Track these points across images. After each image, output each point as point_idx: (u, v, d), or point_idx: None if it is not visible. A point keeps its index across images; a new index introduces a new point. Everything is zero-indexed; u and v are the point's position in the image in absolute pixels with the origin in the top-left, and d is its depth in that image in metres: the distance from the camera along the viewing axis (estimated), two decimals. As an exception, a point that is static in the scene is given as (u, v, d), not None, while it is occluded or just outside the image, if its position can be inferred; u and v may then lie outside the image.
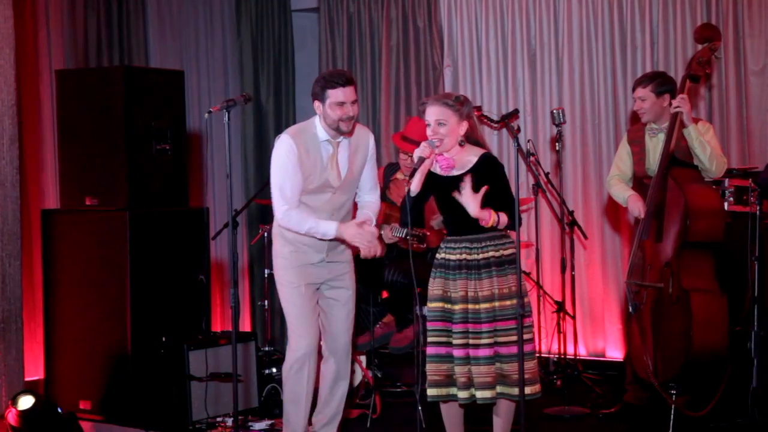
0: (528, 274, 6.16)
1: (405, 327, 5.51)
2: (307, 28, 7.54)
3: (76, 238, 5.26)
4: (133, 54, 6.64)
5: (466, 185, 3.98)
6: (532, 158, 5.84)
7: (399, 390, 5.66)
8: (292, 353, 4.40)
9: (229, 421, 5.04)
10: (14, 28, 5.20)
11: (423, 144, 4.03)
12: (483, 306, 4.03)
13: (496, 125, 6.42)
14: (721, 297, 4.54)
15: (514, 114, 5.89)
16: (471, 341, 4.02)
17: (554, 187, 5.98)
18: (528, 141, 5.92)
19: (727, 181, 5.03)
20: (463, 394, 4.04)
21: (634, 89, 4.94)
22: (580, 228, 5.88)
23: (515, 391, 3.98)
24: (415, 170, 4.03)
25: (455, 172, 4.09)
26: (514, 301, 3.97)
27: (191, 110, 6.80)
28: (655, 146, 4.91)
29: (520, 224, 4.01)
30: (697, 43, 4.87)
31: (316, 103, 4.28)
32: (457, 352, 4.04)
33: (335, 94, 4.22)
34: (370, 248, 4.29)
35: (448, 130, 4.04)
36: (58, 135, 5.52)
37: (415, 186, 4.05)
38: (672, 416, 4.55)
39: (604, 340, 6.31)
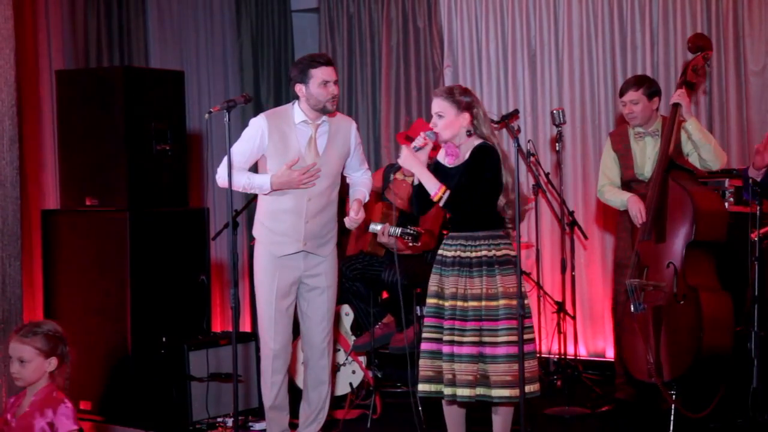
0: (528, 275, 6.16)
1: (404, 327, 5.50)
2: (307, 28, 7.54)
3: (76, 239, 5.26)
4: (133, 54, 6.64)
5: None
6: (532, 158, 5.84)
7: (399, 390, 5.66)
8: (262, 356, 4.52)
9: (229, 422, 5.04)
10: (14, 28, 5.19)
11: (421, 134, 4.13)
12: (471, 304, 4.05)
13: (496, 125, 6.40)
14: (726, 294, 4.59)
15: (514, 114, 5.87)
16: (456, 338, 4.05)
17: (554, 187, 5.98)
18: (528, 141, 5.92)
19: (727, 182, 5.06)
20: (448, 391, 4.07)
21: (624, 93, 5.02)
22: (580, 228, 5.88)
23: (495, 392, 4.00)
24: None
25: (458, 163, 4.15)
26: (500, 302, 4.01)
27: (191, 110, 6.80)
28: (642, 149, 5.02)
29: (506, 226, 4.08)
30: (691, 52, 4.98)
31: (298, 86, 4.37)
32: (445, 349, 4.08)
33: (318, 73, 4.32)
34: (299, 182, 4.32)
35: (446, 123, 4.12)
36: (58, 135, 5.52)
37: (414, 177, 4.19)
38: (672, 416, 4.56)
39: (604, 340, 6.31)
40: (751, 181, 4.67)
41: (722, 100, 5.93)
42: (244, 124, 7.34)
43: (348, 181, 4.72)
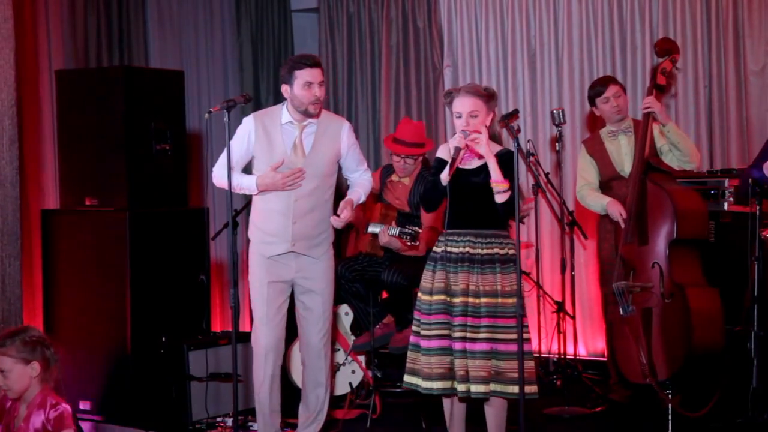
0: (528, 275, 6.16)
1: (405, 327, 5.50)
2: (307, 28, 7.54)
3: (76, 238, 5.26)
4: (133, 54, 6.64)
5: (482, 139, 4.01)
6: (532, 158, 5.84)
7: (399, 390, 5.66)
8: (254, 353, 4.57)
9: (229, 421, 5.05)
10: (14, 28, 5.20)
11: (458, 135, 4.04)
12: (483, 300, 4.04)
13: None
14: (712, 289, 4.62)
15: (514, 114, 5.88)
16: (469, 335, 4.03)
17: (554, 187, 5.99)
18: (528, 141, 5.92)
19: (727, 181, 5.08)
20: (461, 387, 4.05)
21: (606, 88, 5.10)
22: (580, 228, 5.88)
23: (509, 389, 4.01)
24: (453, 160, 4.02)
25: (472, 165, 4.13)
26: (515, 300, 3.99)
27: (191, 110, 6.80)
28: (618, 148, 5.11)
29: (508, 225, 4.07)
30: (658, 56, 5.03)
31: (284, 87, 4.37)
32: (457, 345, 4.06)
33: (303, 75, 4.29)
34: (283, 185, 4.32)
35: (479, 122, 4.08)
36: (58, 135, 5.52)
37: (448, 176, 4.06)
38: (670, 416, 4.56)
39: (604, 340, 6.31)
40: (751, 181, 4.67)
41: (722, 100, 5.93)
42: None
43: (348, 182, 4.71)
